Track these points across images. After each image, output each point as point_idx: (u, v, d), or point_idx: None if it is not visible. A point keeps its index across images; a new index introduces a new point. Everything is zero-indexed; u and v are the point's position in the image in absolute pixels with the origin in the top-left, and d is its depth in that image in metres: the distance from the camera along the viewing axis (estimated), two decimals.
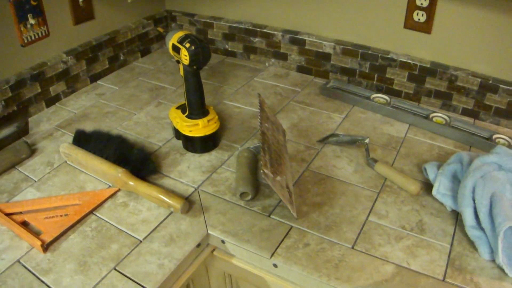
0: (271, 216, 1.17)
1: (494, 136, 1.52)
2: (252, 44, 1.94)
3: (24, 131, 1.48)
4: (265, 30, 1.88)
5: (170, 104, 1.63)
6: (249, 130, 1.51)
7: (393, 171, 1.30)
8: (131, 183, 1.21)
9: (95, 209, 1.19)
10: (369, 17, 1.69)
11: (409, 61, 1.67)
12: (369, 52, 1.72)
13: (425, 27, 1.61)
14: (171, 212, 1.18)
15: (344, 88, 1.76)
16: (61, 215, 1.16)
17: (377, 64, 1.73)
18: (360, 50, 1.73)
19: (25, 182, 1.29)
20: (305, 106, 1.66)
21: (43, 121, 1.56)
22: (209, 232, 1.13)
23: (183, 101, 1.39)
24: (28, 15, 1.49)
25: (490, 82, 1.57)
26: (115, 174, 1.23)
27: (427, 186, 1.27)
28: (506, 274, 1.04)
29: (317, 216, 1.18)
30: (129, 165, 1.25)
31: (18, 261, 1.05)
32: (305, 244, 1.09)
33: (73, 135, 1.40)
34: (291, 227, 1.14)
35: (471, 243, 1.12)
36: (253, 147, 1.35)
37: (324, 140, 1.45)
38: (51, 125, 1.54)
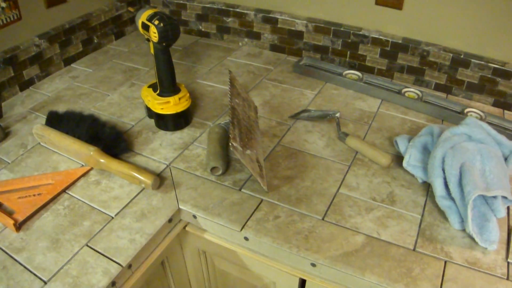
0: (242, 190, 1.18)
1: (466, 110, 1.53)
2: (225, 24, 1.94)
3: None
4: (237, 10, 1.88)
5: (143, 84, 1.63)
6: (221, 107, 1.51)
7: (364, 144, 1.31)
8: (102, 160, 1.21)
9: (68, 188, 1.19)
10: None
11: (381, 37, 1.68)
12: (341, 29, 1.72)
13: (397, 3, 1.61)
14: (143, 189, 1.18)
15: (316, 65, 1.77)
16: (34, 195, 1.16)
17: (349, 41, 1.73)
18: (332, 28, 1.74)
19: None
20: (277, 83, 1.67)
21: (17, 105, 1.55)
22: (180, 207, 1.14)
23: (155, 80, 1.39)
24: None
25: (462, 57, 1.59)
26: (87, 152, 1.23)
27: (398, 159, 1.28)
28: (476, 243, 1.06)
29: (288, 189, 1.18)
30: (101, 144, 1.25)
31: None
32: (275, 217, 1.10)
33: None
34: (262, 200, 1.15)
35: (442, 213, 1.14)
36: (224, 123, 1.35)
37: (295, 116, 1.46)
38: (25, 108, 1.53)
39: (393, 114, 1.53)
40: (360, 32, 1.70)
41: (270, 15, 1.82)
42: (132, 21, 2.06)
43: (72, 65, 1.81)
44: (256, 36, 1.91)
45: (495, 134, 1.28)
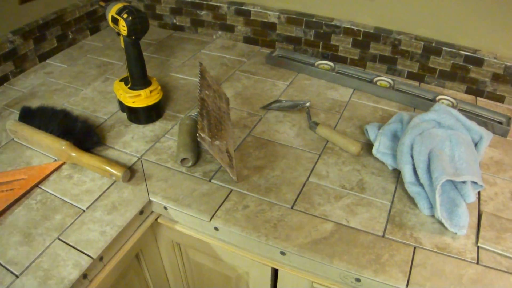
0: (212, 180, 1.19)
1: (438, 98, 1.55)
2: (199, 17, 1.94)
3: None
4: (211, 3, 1.88)
5: (116, 79, 1.62)
6: (194, 100, 1.51)
7: (334, 133, 1.32)
8: (73, 154, 1.21)
9: (40, 182, 1.19)
10: None
11: (353, 27, 1.69)
12: (313, 20, 1.73)
13: None
14: (114, 181, 1.19)
15: (289, 56, 1.78)
16: (6, 190, 1.16)
17: (322, 31, 1.74)
18: (304, 19, 1.74)
19: None
20: (250, 75, 1.67)
21: None
22: (151, 198, 1.15)
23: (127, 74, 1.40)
24: None
25: (434, 45, 1.60)
26: (59, 147, 1.23)
27: (369, 147, 1.29)
28: (446, 228, 1.07)
29: (257, 179, 1.19)
30: (73, 138, 1.25)
31: None
32: (244, 206, 1.11)
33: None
34: (231, 190, 1.16)
35: (412, 200, 1.15)
36: (195, 115, 1.35)
37: (267, 107, 1.47)
38: None
39: (365, 103, 1.54)
40: (332, 23, 1.71)
41: (243, 8, 1.83)
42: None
43: (47, 61, 1.80)
44: (230, 28, 1.92)
45: (465, 120, 1.29)
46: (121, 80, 1.41)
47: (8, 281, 0.95)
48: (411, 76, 1.71)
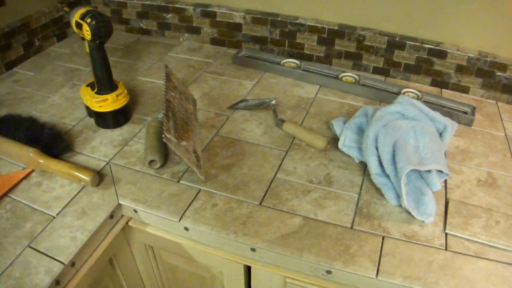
0: (180, 181, 1.19)
1: (403, 91, 1.57)
2: (166, 20, 1.94)
3: None
4: (177, 6, 1.88)
5: (84, 84, 1.62)
6: (161, 103, 1.51)
7: (300, 129, 1.34)
8: (41, 161, 1.21)
9: (9, 191, 1.19)
10: None
11: (317, 25, 1.70)
12: (278, 19, 1.75)
13: None
14: (83, 187, 1.19)
15: (255, 56, 1.79)
16: None
17: (287, 30, 1.76)
18: (269, 18, 1.76)
19: None
20: (217, 76, 1.68)
21: None
22: (120, 202, 1.15)
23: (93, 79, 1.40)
24: None
25: (397, 39, 1.63)
26: (27, 154, 1.23)
27: (335, 141, 1.31)
28: (413, 217, 1.10)
29: (225, 178, 1.20)
30: (40, 145, 1.25)
31: None
32: (213, 205, 1.12)
33: None
34: (200, 190, 1.17)
35: (379, 191, 1.17)
36: (162, 117, 1.36)
37: (234, 106, 1.48)
38: None
39: (331, 99, 1.56)
40: (297, 21, 1.72)
41: (209, 9, 1.83)
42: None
43: (14, 69, 1.79)
44: (196, 30, 1.92)
45: (428, 111, 1.32)
46: (87, 86, 1.41)
47: None
48: (376, 71, 1.73)
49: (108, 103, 1.34)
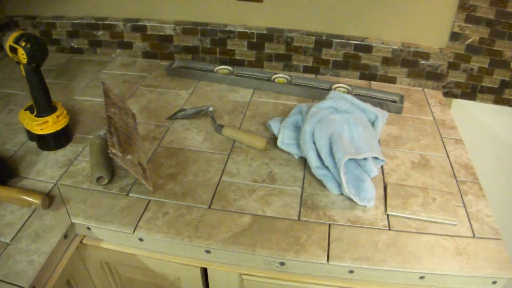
0: (130, 194, 1.21)
1: (334, 86, 1.63)
2: (97, 38, 1.94)
3: None
4: (107, 22, 1.88)
5: (21, 108, 1.61)
6: (101, 120, 1.52)
7: (240, 132, 1.38)
8: None
9: None
10: None
11: (246, 30, 1.75)
12: (208, 28, 1.78)
13: None
14: (34, 210, 1.19)
15: (188, 66, 1.82)
16: None
17: (217, 38, 1.79)
18: (199, 27, 1.79)
19: None
20: (153, 88, 1.70)
21: None
22: (73, 221, 1.15)
23: (31, 102, 1.40)
24: None
25: (324, 38, 1.69)
26: None
27: (274, 141, 1.36)
28: (355, 203, 1.17)
29: (173, 186, 1.23)
30: None
31: None
32: (164, 213, 1.15)
33: None
34: (150, 200, 1.19)
35: (320, 183, 1.23)
36: (104, 134, 1.37)
37: (172, 117, 1.50)
38: None
39: (266, 101, 1.61)
40: (226, 28, 1.76)
41: (139, 23, 1.85)
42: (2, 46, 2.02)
43: None
44: (128, 45, 1.93)
45: (359, 103, 1.38)
46: (26, 109, 1.41)
47: None
48: (307, 69, 1.79)
49: (49, 125, 1.34)
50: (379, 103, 1.56)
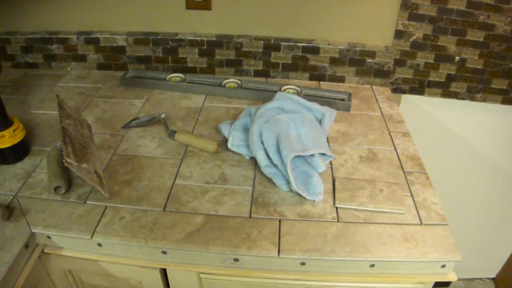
0: (87, 202, 1.24)
1: (283, 88, 1.69)
2: (51, 52, 1.95)
3: None
4: (60, 36, 1.89)
5: None
6: (58, 132, 1.51)
7: (192, 137, 1.43)
8: None
9: None
10: (153, 4, 1.79)
11: (196, 38, 1.80)
12: (159, 37, 1.82)
13: (205, 5, 1.74)
14: None
15: (142, 75, 1.85)
16: None
17: (169, 47, 1.83)
18: (151, 37, 1.82)
19: None
20: (107, 99, 1.73)
21: None
22: (33, 230, 1.17)
23: None
24: None
25: (272, 42, 1.75)
26: None
27: (225, 143, 1.41)
28: (304, 198, 1.22)
29: (128, 192, 1.27)
30: None
31: None
32: (120, 218, 1.18)
33: None
34: (106, 206, 1.22)
35: (270, 181, 1.29)
36: (60, 145, 1.40)
37: (127, 125, 1.54)
38: None
39: (218, 105, 1.66)
40: (177, 37, 1.81)
41: (92, 36, 1.86)
42: None
43: None
44: (82, 58, 1.94)
45: (305, 103, 1.44)
46: None
47: None
48: (257, 73, 1.85)
49: (6, 139, 1.36)
50: (327, 102, 1.62)
